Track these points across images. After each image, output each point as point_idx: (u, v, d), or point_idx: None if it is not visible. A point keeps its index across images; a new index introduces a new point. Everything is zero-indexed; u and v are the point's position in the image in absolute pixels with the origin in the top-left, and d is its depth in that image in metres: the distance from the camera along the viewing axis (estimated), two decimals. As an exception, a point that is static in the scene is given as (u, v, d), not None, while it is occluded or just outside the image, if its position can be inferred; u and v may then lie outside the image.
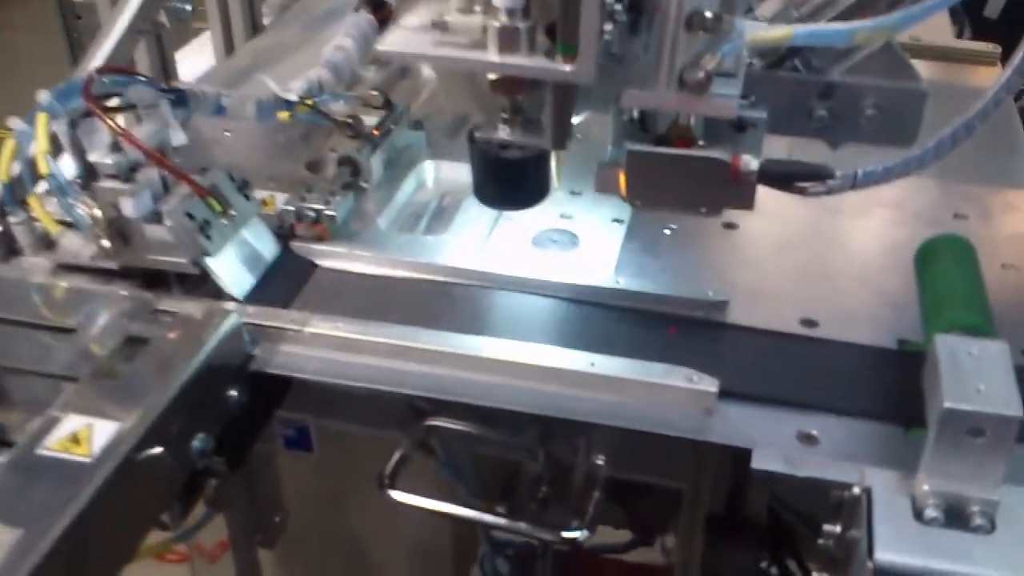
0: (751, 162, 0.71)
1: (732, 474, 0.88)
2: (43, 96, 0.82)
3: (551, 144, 0.71)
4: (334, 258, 0.89)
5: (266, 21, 1.51)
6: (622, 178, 0.73)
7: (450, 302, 0.85)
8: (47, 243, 0.89)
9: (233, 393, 0.76)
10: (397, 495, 0.84)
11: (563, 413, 0.75)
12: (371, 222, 0.93)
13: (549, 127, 0.70)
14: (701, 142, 0.71)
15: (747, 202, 0.73)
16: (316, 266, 0.89)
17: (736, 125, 0.73)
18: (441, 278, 0.87)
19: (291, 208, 0.89)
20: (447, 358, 0.78)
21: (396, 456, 0.87)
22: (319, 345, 0.79)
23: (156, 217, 0.81)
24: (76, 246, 0.84)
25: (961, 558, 0.60)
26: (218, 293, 0.83)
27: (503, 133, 0.71)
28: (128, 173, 0.79)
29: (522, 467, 1.03)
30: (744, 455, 0.84)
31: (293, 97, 0.99)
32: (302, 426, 1.08)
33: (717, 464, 0.88)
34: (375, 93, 0.99)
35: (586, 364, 0.76)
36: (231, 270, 0.83)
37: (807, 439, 0.72)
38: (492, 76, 0.68)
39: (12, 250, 0.90)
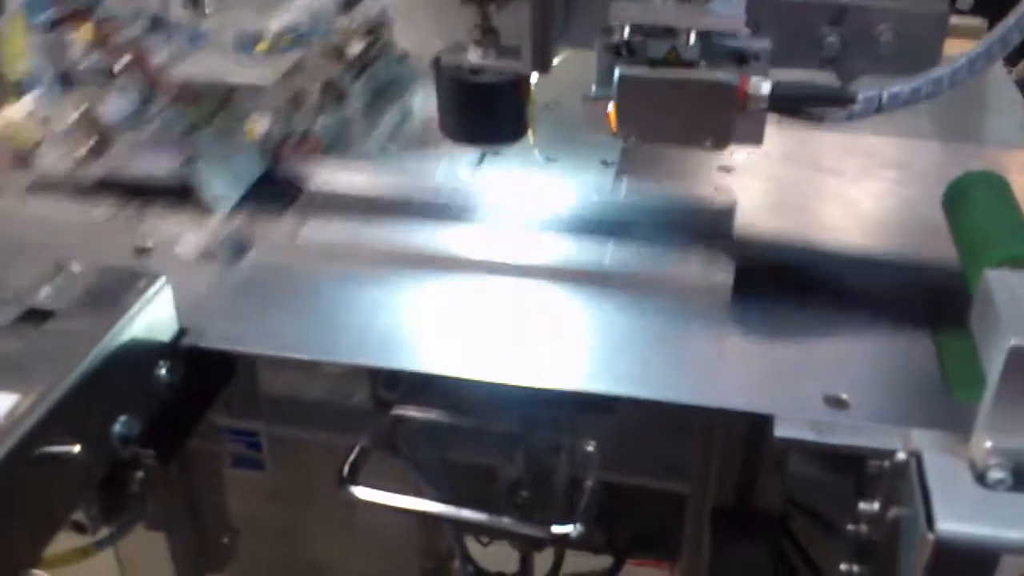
0: (762, 85, 0.61)
1: (741, 468, 0.78)
2: None
3: (530, 67, 0.61)
4: (325, 175, 0.82)
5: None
6: (613, 110, 0.64)
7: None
8: (19, 160, 0.81)
9: (163, 372, 0.65)
10: (359, 491, 0.73)
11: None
12: (358, 150, 0.86)
13: (528, 46, 0.61)
14: (703, 62, 0.62)
15: (755, 135, 0.64)
16: (302, 189, 0.81)
17: (737, 57, 0.65)
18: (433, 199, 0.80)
19: (274, 129, 0.81)
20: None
21: (356, 450, 0.76)
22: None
23: (136, 124, 0.75)
24: (51, 161, 0.78)
25: (1035, 525, 0.50)
26: (202, 208, 0.77)
27: (474, 56, 0.62)
28: (107, 77, 0.74)
29: (498, 472, 0.92)
30: (755, 442, 0.75)
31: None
32: (252, 436, 0.98)
33: (724, 455, 0.78)
34: (358, 23, 0.89)
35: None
36: (216, 182, 0.76)
37: (836, 403, 0.62)
38: (461, -18, 0.58)
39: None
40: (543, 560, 1.00)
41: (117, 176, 0.80)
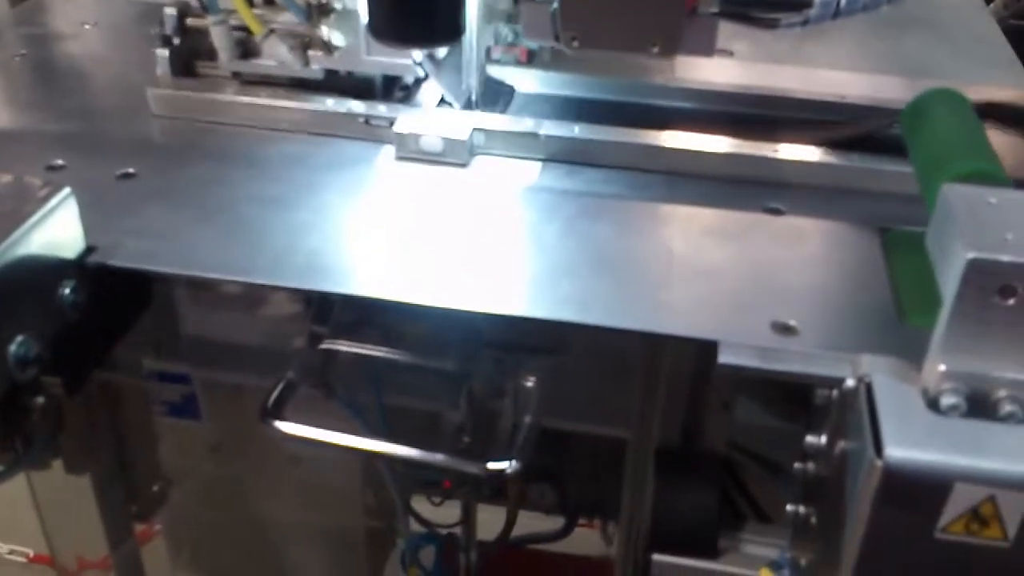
0: (713, -13, 0.58)
1: (686, 409, 0.75)
2: None
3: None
4: (532, 81, 0.81)
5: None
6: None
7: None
8: (245, 51, 0.80)
9: (67, 292, 0.60)
10: (282, 426, 0.68)
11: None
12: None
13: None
14: (651, -38, 0.58)
15: (707, 44, 0.60)
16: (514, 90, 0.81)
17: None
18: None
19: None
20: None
21: (282, 383, 0.71)
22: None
23: None
24: (281, 53, 0.78)
25: (989, 452, 0.47)
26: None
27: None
28: None
29: (441, 417, 0.89)
30: (701, 381, 0.72)
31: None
32: (184, 382, 0.94)
33: (669, 395, 0.74)
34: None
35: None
36: (456, 77, 0.75)
37: (784, 330, 0.58)
38: None
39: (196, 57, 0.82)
40: (496, 522, 0.97)
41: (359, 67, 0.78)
